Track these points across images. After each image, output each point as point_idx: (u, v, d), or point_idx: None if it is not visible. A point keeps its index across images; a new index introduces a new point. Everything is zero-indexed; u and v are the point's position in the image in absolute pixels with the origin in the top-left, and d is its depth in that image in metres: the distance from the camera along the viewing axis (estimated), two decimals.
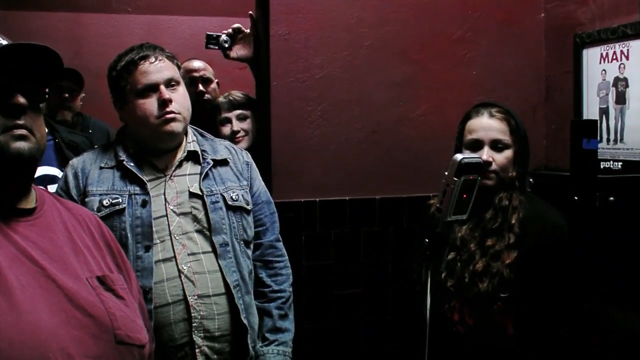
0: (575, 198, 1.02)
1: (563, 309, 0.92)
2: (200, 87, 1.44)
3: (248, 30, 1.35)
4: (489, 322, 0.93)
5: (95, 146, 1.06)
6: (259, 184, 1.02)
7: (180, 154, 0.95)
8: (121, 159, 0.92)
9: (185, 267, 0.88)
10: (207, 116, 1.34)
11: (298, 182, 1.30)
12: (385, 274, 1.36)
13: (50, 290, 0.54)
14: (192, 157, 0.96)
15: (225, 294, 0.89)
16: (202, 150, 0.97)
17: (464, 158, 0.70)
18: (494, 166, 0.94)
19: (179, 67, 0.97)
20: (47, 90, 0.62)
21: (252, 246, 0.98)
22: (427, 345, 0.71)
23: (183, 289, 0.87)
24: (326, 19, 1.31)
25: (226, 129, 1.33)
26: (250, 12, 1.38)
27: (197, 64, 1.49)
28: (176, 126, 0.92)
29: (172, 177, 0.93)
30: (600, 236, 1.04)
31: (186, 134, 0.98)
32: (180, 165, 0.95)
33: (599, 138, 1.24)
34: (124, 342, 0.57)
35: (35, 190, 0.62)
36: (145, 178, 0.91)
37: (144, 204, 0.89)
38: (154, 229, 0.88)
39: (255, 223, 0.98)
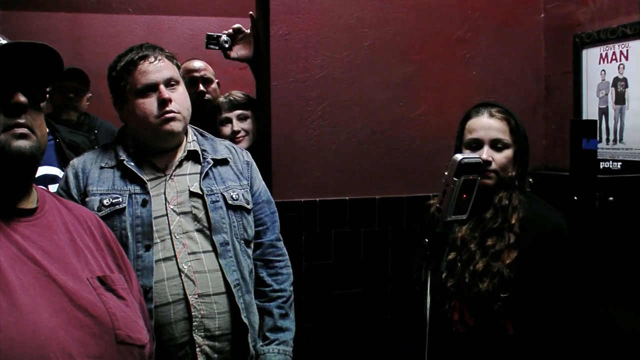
0: (575, 198, 1.03)
1: (563, 309, 0.92)
2: (201, 87, 1.43)
3: (248, 31, 1.35)
4: (489, 322, 0.93)
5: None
6: (260, 183, 1.02)
7: (181, 154, 0.95)
8: (121, 158, 0.93)
9: (185, 266, 0.88)
10: (207, 116, 1.34)
11: (298, 182, 1.31)
12: (385, 273, 1.36)
13: (51, 291, 0.54)
14: (193, 156, 0.97)
15: (226, 293, 0.89)
16: (203, 150, 0.98)
17: (463, 158, 0.70)
18: (493, 166, 0.94)
19: (178, 67, 0.97)
20: (47, 89, 0.62)
21: (252, 245, 0.98)
22: (427, 345, 0.71)
23: (183, 288, 0.87)
24: (326, 19, 1.31)
25: (227, 129, 1.33)
26: (251, 12, 1.38)
27: (197, 64, 1.49)
28: (176, 125, 0.92)
29: (172, 177, 0.93)
30: (600, 236, 1.04)
31: (186, 133, 0.98)
32: (180, 164, 0.95)
33: (598, 138, 1.24)
34: (124, 342, 0.57)
35: (37, 190, 0.62)
36: (145, 177, 0.92)
37: (144, 203, 0.89)
38: (154, 228, 0.88)
39: (255, 222, 0.98)
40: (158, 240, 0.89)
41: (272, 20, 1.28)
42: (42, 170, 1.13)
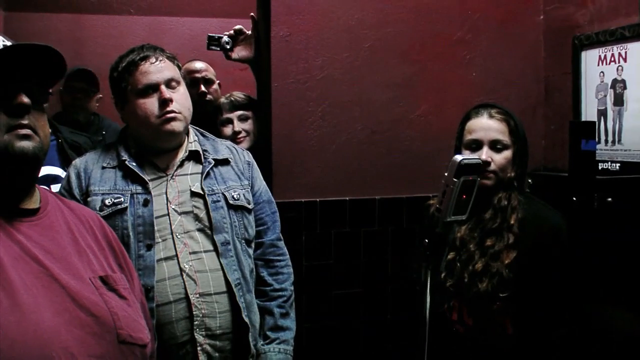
0: (574, 198, 1.03)
1: (562, 309, 0.92)
2: (202, 88, 1.44)
3: (249, 32, 1.36)
4: (488, 321, 0.93)
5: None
6: (260, 183, 1.03)
7: (182, 154, 0.96)
8: (123, 158, 0.93)
9: (186, 266, 0.89)
10: (208, 117, 1.34)
11: (298, 182, 1.31)
12: (385, 273, 1.36)
13: (54, 290, 0.55)
14: (194, 156, 0.97)
15: (227, 292, 0.90)
16: (204, 150, 0.98)
17: (463, 159, 0.71)
18: (492, 166, 0.94)
19: (179, 68, 0.98)
20: (50, 90, 0.63)
21: (253, 245, 0.98)
22: (426, 345, 0.71)
23: (185, 288, 0.87)
24: (327, 20, 1.32)
25: (228, 130, 1.33)
26: (252, 13, 1.39)
27: (198, 65, 1.49)
28: (177, 125, 0.92)
29: (173, 177, 0.94)
30: (599, 236, 1.05)
31: (188, 133, 0.98)
32: (181, 164, 0.95)
33: (597, 139, 1.24)
34: (126, 341, 0.58)
35: (39, 191, 0.62)
36: (147, 177, 0.92)
37: (146, 203, 0.90)
38: (155, 227, 0.89)
39: (256, 222, 0.99)
40: (159, 240, 0.89)
41: (273, 21, 1.29)
42: (44, 170, 1.14)
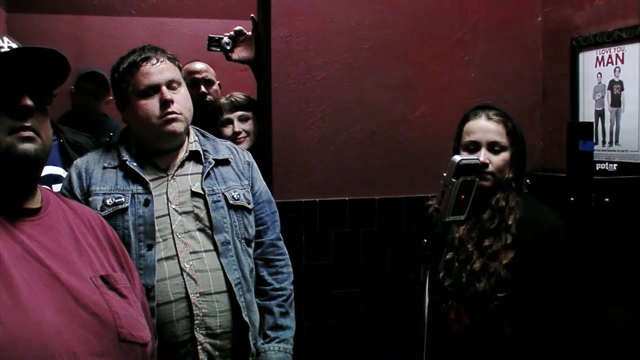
0: (572, 199, 1.04)
1: (559, 309, 0.93)
2: (202, 88, 1.44)
3: (249, 33, 1.36)
4: (485, 321, 0.94)
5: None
6: (260, 183, 1.03)
7: (182, 154, 0.96)
8: (124, 159, 0.94)
9: (187, 265, 0.89)
10: (209, 117, 1.34)
11: (298, 183, 1.31)
12: (384, 273, 1.37)
13: (55, 289, 0.55)
14: (194, 156, 0.98)
15: (227, 291, 0.90)
16: (204, 150, 0.98)
17: (462, 159, 0.71)
18: (490, 168, 0.95)
19: (180, 69, 0.98)
20: (54, 92, 0.63)
21: (253, 245, 0.99)
22: (425, 344, 0.72)
23: (185, 287, 0.88)
24: (327, 21, 1.32)
25: (228, 130, 1.34)
26: (252, 14, 1.39)
27: (199, 65, 1.49)
28: (177, 126, 0.93)
29: (174, 177, 0.94)
30: (596, 236, 1.06)
31: (188, 134, 0.99)
32: (182, 164, 0.96)
33: (594, 140, 1.25)
34: (127, 340, 0.58)
35: (41, 190, 0.62)
36: (147, 177, 0.92)
37: (147, 203, 0.90)
38: (156, 227, 0.89)
39: (256, 222, 0.99)
40: (160, 240, 0.89)
41: (273, 22, 1.29)
42: (46, 170, 1.13)
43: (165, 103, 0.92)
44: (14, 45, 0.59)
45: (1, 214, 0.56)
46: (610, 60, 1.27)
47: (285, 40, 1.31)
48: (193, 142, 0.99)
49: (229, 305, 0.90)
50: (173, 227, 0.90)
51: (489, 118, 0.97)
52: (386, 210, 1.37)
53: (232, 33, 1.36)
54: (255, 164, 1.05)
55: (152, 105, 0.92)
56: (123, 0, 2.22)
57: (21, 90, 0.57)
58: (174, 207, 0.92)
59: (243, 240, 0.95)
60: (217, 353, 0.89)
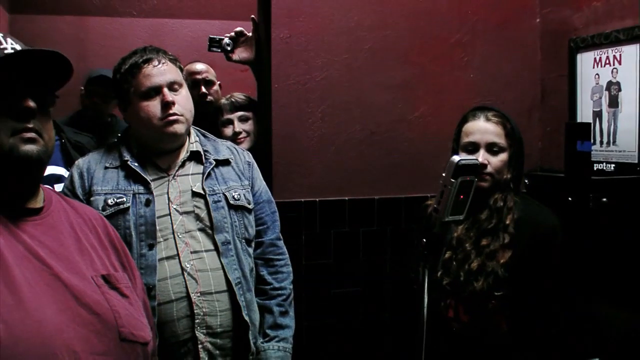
0: (570, 199, 1.04)
1: (556, 308, 0.93)
2: (203, 89, 1.44)
3: (250, 34, 1.37)
4: (483, 319, 0.94)
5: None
6: (260, 183, 1.04)
7: (183, 154, 0.97)
8: (125, 159, 0.94)
9: (188, 265, 0.90)
10: (209, 118, 1.35)
11: (298, 183, 1.32)
12: (383, 272, 1.37)
13: (57, 288, 0.55)
14: (195, 157, 0.98)
15: (227, 291, 0.91)
16: (205, 151, 0.99)
17: (461, 160, 0.71)
18: (489, 169, 0.95)
19: (181, 70, 0.99)
20: (57, 93, 0.64)
21: (253, 244, 0.99)
22: (424, 343, 0.72)
23: (186, 287, 0.88)
24: (326, 22, 1.33)
25: (228, 130, 1.34)
26: (252, 15, 1.39)
27: (199, 66, 1.50)
28: (179, 127, 0.93)
29: (175, 177, 0.95)
30: (594, 236, 1.06)
31: (189, 134, 0.99)
32: (183, 165, 0.96)
33: (592, 140, 1.25)
34: (127, 339, 0.58)
35: (43, 190, 0.62)
36: (148, 178, 0.93)
37: (148, 203, 0.91)
38: (157, 227, 0.90)
39: (256, 222, 1.00)
40: (161, 239, 0.90)
41: (274, 23, 1.30)
42: (48, 170, 1.13)
43: (166, 105, 0.92)
44: (17, 46, 0.59)
45: (4, 213, 0.57)
46: (607, 61, 1.27)
47: (286, 41, 1.31)
48: (194, 142, 0.99)
49: (230, 305, 0.91)
50: (174, 227, 0.91)
51: (487, 119, 0.97)
52: (386, 210, 1.37)
53: (232, 34, 1.36)
54: (255, 164, 1.05)
55: (153, 106, 0.92)
56: (124, 1, 2.23)
57: (24, 92, 0.57)
58: (174, 207, 0.92)
59: (243, 240, 0.96)
60: (217, 352, 0.90)
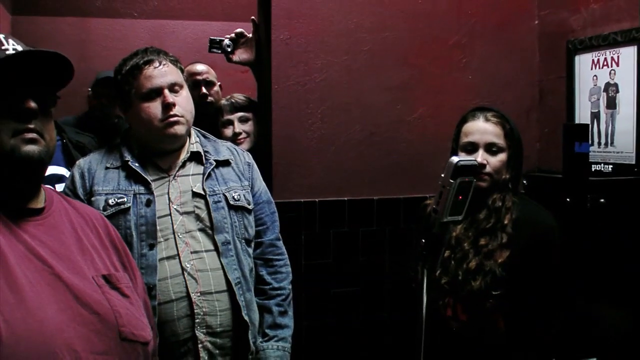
0: (567, 199, 1.05)
1: (553, 307, 0.94)
2: (203, 89, 1.44)
3: (250, 35, 1.37)
4: (481, 318, 0.95)
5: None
6: (260, 184, 1.04)
7: (184, 155, 0.97)
8: (126, 159, 0.94)
9: (188, 265, 0.90)
10: (209, 118, 1.35)
11: (298, 183, 1.32)
12: (383, 272, 1.37)
13: (57, 288, 0.55)
14: (195, 157, 0.98)
15: (227, 291, 0.91)
16: (205, 151, 0.99)
17: (460, 161, 0.72)
18: (488, 169, 0.96)
19: (182, 71, 0.99)
20: (58, 94, 0.64)
21: (253, 245, 1.00)
22: (423, 342, 0.73)
23: (186, 286, 0.88)
24: (326, 24, 1.33)
25: (228, 131, 1.35)
26: (253, 17, 1.40)
27: (200, 67, 1.50)
28: (179, 129, 0.94)
29: (175, 177, 0.95)
30: (591, 236, 1.07)
31: (189, 135, 1.00)
32: (183, 165, 0.97)
33: (590, 141, 1.26)
34: (128, 339, 0.58)
35: (44, 190, 0.63)
36: (149, 178, 0.93)
37: (149, 203, 0.91)
38: (158, 227, 0.90)
39: (256, 222, 1.00)
40: (162, 239, 0.90)
41: (274, 25, 1.30)
42: (49, 170, 1.13)
43: (167, 106, 0.92)
44: (19, 47, 0.59)
45: (5, 213, 0.57)
46: (605, 63, 1.28)
47: (286, 42, 1.32)
48: (194, 143, 1.00)
49: (229, 305, 0.91)
50: (174, 227, 0.91)
51: (487, 119, 0.98)
52: (385, 211, 1.38)
53: (232, 35, 1.36)
54: (255, 165, 1.06)
55: (154, 108, 0.93)
56: (125, 3, 2.23)
57: (25, 93, 0.57)
58: (175, 207, 0.93)
59: (243, 240, 0.96)
60: (217, 351, 0.90)
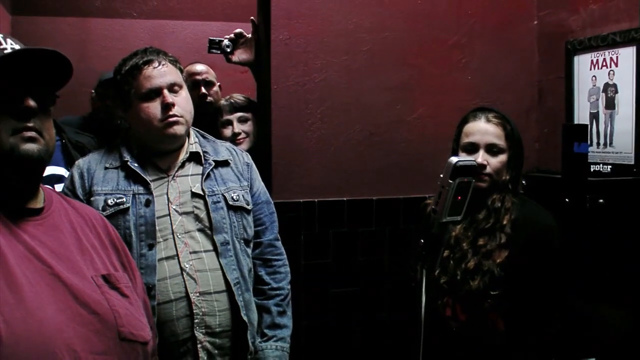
0: (566, 200, 1.05)
1: (552, 307, 0.94)
2: (203, 90, 1.44)
3: (249, 35, 1.37)
4: (480, 318, 0.95)
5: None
6: (259, 184, 1.04)
7: (183, 155, 0.97)
8: (125, 159, 0.95)
9: (187, 265, 0.90)
10: (209, 118, 1.35)
11: (297, 183, 1.32)
12: (382, 272, 1.38)
13: (57, 288, 0.56)
14: (194, 158, 0.99)
15: (226, 291, 0.91)
16: (204, 152, 0.99)
17: (459, 161, 0.72)
18: (488, 169, 0.96)
19: (181, 71, 0.99)
20: (57, 93, 0.64)
21: (251, 245, 1.00)
22: (422, 342, 0.73)
23: (185, 287, 0.89)
24: (325, 24, 1.34)
25: (227, 131, 1.35)
26: (252, 17, 1.40)
27: (199, 67, 1.50)
28: (178, 129, 0.94)
29: (174, 178, 0.95)
30: (590, 237, 1.07)
31: (188, 135, 1.00)
32: (182, 166, 0.97)
33: (589, 142, 1.26)
34: (127, 339, 0.59)
35: (44, 190, 0.63)
36: (148, 178, 0.93)
37: (148, 203, 0.91)
38: (157, 227, 0.90)
39: (255, 222, 1.00)
40: (161, 240, 0.90)
41: (273, 25, 1.31)
42: (48, 170, 1.14)
43: (166, 106, 0.92)
44: (17, 47, 0.59)
45: (4, 213, 0.57)
46: (604, 64, 1.28)
47: (285, 42, 1.32)
48: (193, 143, 1.00)
49: (228, 305, 0.91)
50: (173, 227, 0.91)
51: (488, 120, 0.98)
52: (384, 211, 1.38)
53: (232, 35, 1.37)
54: (254, 165, 1.06)
55: (153, 108, 0.93)
56: (125, 3, 2.24)
57: (24, 91, 0.57)
58: (174, 207, 0.93)
59: (242, 241, 0.96)
60: (216, 351, 0.90)
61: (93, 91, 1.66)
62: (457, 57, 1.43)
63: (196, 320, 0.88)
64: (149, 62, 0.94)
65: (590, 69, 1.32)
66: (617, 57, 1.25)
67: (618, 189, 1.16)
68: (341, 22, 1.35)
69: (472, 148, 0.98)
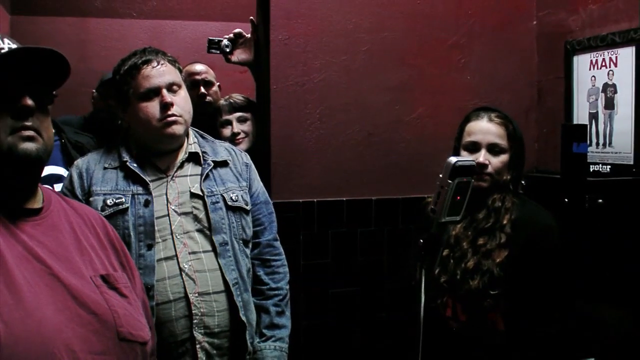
0: (565, 200, 1.05)
1: (552, 307, 0.94)
2: (202, 90, 1.44)
3: (249, 35, 1.37)
4: (480, 318, 0.95)
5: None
6: (258, 184, 1.04)
7: (182, 155, 0.97)
8: (124, 159, 0.94)
9: (186, 266, 0.90)
10: (208, 118, 1.35)
11: (297, 183, 1.33)
12: (381, 272, 1.38)
13: (56, 289, 0.56)
14: (193, 158, 0.99)
15: (225, 291, 0.91)
16: (203, 152, 0.99)
17: (458, 161, 0.71)
18: (489, 169, 0.96)
19: (180, 71, 0.99)
20: (55, 92, 0.64)
21: (250, 245, 1.00)
22: (421, 342, 0.73)
23: (184, 287, 0.89)
24: (325, 24, 1.34)
25: (227, 131, 1.35)
26: (251, 17, 1.40)
27: (198, 67, 1.50)
28: (177, 129, 0.94)
29: (173, 178, 0.95)
30: (590, 236, 1.07)
31: (187, 135, 1.00)
32: (181, 166, 0.97)
33: (588, 142, 1.26)
34: (126, 339, 0.59)
35: (42, 190, 0.63)
36: (147, 178, 0.93)
37: (147, 203, 0.91)
38: (156, 228, 0.90)
39: (253, 223, 1.00)
40: (160, 240, 0.90)
41: (272, 25, 1.31)
42: (47, 170, 1.14)
43: (165, 106, 0.92)
44: (14, 47, 0.59)
45: (3, 213, 0.57)
46: (604, 64, 1.28)
47: (284, 42, 1.32)
48: (192, 143, 1.00)
49: (227, 305, 0.91)
50: (172, 227, 0.91)
51: (490, 120, 0.98)
52: (383, 211, 1.38)
53: (231, 35, 1.37)
54: (253, 166, 1.06)
55: (152, 107, 0.93)
56: (124, 3, 2.24)
57: (22, 90, 0.57)
58: (173, 207, 0.93)
59: (241, 241, 0.96)
60: (215, 352, 0.90)
61: (94, 91, 1.66)
62: (456, 57, 1.43)
63: (195, 321, 0.88)
64: (147, 62, 0.94)
65: (590, 69, 1.32)
66: (616, 57, 1.25)
67: (617, 189, 1.16)
68: (340, 22, 1.35)
69: (474, 147, 0.98)
